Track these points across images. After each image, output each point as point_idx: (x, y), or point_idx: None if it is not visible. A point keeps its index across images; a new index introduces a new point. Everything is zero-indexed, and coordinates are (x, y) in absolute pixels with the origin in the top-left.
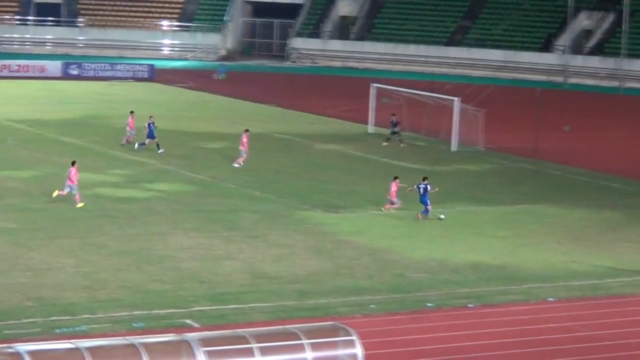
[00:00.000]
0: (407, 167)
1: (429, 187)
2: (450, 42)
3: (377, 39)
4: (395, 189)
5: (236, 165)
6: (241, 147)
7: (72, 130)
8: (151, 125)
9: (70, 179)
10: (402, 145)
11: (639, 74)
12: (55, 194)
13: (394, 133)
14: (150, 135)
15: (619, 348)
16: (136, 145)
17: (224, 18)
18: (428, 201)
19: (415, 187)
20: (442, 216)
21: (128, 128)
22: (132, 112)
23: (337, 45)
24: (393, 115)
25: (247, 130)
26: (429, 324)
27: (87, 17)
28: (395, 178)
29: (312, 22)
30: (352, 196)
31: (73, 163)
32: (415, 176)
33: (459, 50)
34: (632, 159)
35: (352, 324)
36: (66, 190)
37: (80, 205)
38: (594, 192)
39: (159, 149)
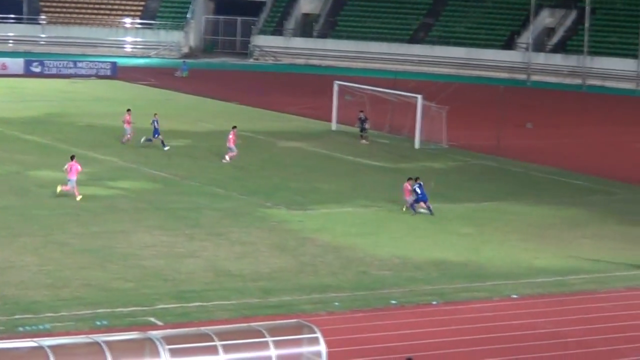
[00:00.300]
0: (371, 165)
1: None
2: (413, 40)
3: (340, 37)
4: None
5: (224, 161)
6: (229, 144)
7: (34, 128)
8: (155, 122)
9: (69, 172)
10: (364, 142)
11: (601, 72)
12: (58, 189)
13: (363, 129)
14: (156, 132)
15: (582, 344)
16: (142, 140)
17: (187, 15)
18: (427, 197)
19: (412, 189)
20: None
21: (125, 125)
22: (129, 110)
23: (299, 42)
24: (361, 111)
25: (234, 127)
26: (393, 321)
27: (49, 14)
28: (409, 179)
29: (274, 19)
30: (316, 193)
31: (72, 157)
32: (379, 174)
33: (421, 47)
34: (594, 156)
35: (316, 322)
36: (69, 185)
37: (79, 198)
38: (557, 189)
39: (164, 146)
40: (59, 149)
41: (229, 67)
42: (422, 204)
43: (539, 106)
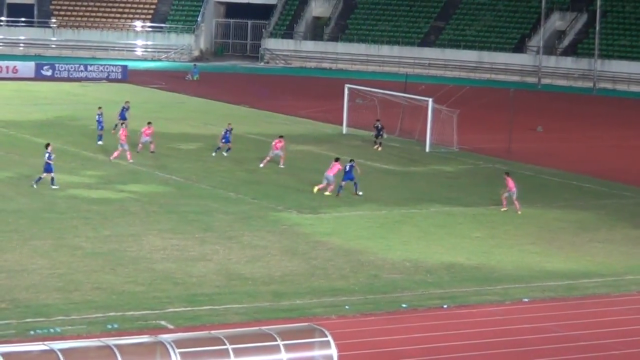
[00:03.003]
0: (382, 168)
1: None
2: (423, 43)
3: (351, 40)
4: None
5: (281, 166)
6: (276, 151)
7: (45, 131)
8: (228, 132)
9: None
10: (378, 149)
11: (611, 75)
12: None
13: (379, 136)
14: (226, 140)
15: (593, 348)
16: (217, 151)
17: (197, 19)
18: (352, 176)
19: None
20: (360, 193)
21: (144, 137)
22: (149, 123)
23: (310, 46)
24: (377, 120)
25: (281, 137)
26: (404, 325)
27: (60, 18)
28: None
29: (285, 23)
30: (327, 197)
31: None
32: (390, 177)
33: (432, 51)
34: (605, 159)
35: (327, 325)
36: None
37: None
38: (568, 192)
39: (226, 150)
40: (70, 152)
41: (239, 70)
42: (346, 182)
43: (550, 109)
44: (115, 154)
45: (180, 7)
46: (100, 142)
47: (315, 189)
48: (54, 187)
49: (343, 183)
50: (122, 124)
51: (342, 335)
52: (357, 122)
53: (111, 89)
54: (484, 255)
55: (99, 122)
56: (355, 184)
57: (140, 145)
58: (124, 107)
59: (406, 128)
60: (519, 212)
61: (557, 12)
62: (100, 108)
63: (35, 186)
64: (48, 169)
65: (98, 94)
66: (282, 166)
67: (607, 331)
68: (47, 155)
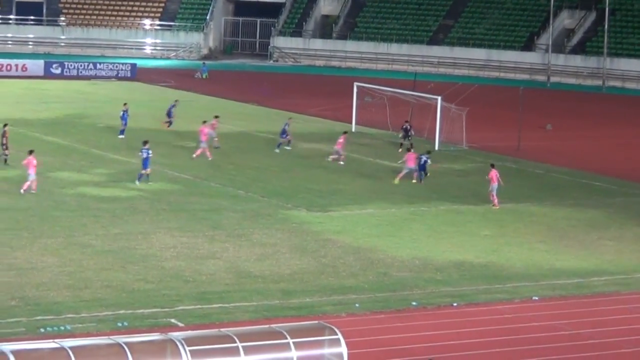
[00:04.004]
0: (391, 166)
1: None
2: (432, 41)
3: (359, 38)
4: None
5: (341, 164)
6: (337, 147)
7: (55, 129)
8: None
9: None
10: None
11: (620, 73)
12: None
13: (407, 137)
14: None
15: (604, 346)
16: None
17: (206, 17)
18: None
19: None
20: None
21: (211, 131)
22: (217, 117)
23: (319, 44)
24: (406, 122)
25: (345, 132)
26: (414, 323)
27: (69, 16)
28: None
29: (294, 21)
30: (336, 195)
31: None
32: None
33: (441, 49)
34: (614, 157)
35: (337, 323)
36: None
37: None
38: (577, 191)
39: (279, 146)
40: (79, 151)
41: (248, 68)
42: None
43: (559, 108)
44: (199, 152)
45: (189, 5)
46: (121, 136)
47: (397, 180)
48: (149, 182)
49: (421, 173)
50: (167, 122)
51: (351, 333)
52: (366, 120)
53: (120, 87)
54: (494, 254)
55: (124, 118)
56: (423, 175)
57: (215, 140)
58: (172, 105)
59: (415, 126)
60: (496, 207)
61: (566, 10)
62: (125, 104)
63: (137, 183)
64: (145, 165)
65: (107, 92)
66: (341, 163)
67: (617, 329)
68: (144, 152)
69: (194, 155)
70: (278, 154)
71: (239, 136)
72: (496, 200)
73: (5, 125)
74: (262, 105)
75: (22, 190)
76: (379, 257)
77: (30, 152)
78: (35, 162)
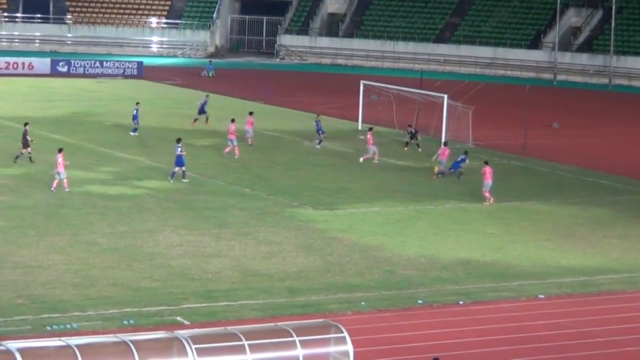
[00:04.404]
0: (397, 164)
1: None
2: (439, 39)
3: (366, 36)
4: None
5: (376, 161)
6: (371, 147)
7: (61, 127)
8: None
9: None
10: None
11: (627, 71)
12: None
13: (413, 138)
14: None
15: (610, 345)
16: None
17: (213, 15)
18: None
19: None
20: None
21: (230, 136)
22: (251, 113)
23: (325, 42)
24: (409, 126)
25: (371, 129)
26: (420, 321)
27: (76, 14)
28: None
29: (300, 19)
30: (342, 193)
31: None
32: (406, 173)
33: (447, 47)
34: (620, 156)
35: (343, 321)
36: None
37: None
38: (583, 189)
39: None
40: (86, 149)
41: (255, 66)
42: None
43: (565, 106)
44: (228, 150)
45: (195, 4)
46: (134, 133)
47: (435, 175)
48: (184, 180)
49: (460, 169)
50: (195, 120)
51: (357, 331)
52: (373, 119)
53: (127, 85)
54: (500, 252)
55: (135, 116)
56: (460, 173)
57: (249, 139)
58: (204, 101)
59: (421, 124)
60: (488, 204)
61: (573, 8)
62: (137, 104)
63: (171, 181)
64: (180, 162)
65: (113, 90)
66: (376, 161)
67: (623, 327)
68: (178, 149)
69: (225, 152)
70: (318, 150)
71: (245, 134)
72: (488, 195)
73: (26, 124)
74: (269, 103)
75: (52, 189)
76: (385, 255)
77: (60, 150)
78: (61, 160)
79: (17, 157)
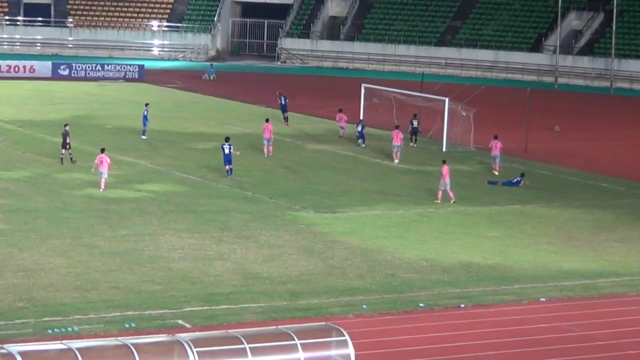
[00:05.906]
0: (399, 167)
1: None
2: (440, 43)
3: (367, 39)
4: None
5: (397, 161)
6: (397, 143)
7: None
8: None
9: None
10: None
11: (628, 74)
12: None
13: (414, 134)
14: (360, 135)
15: (611, 348)
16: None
17: (214, 18)
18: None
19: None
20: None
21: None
22: (340, 110)
23: (326, 45)
24: (415, 115)
25: (397, 127)
26: (421, 324)
27: (77, 17)
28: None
29: (301, 22)
30: (344, 196)
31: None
32: (407, 176)
33: (449, 50)
34: (622, 159)
35: (344, 325)
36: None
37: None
38: (584, 192)
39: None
40: (87, 152)
41: (256, 70)
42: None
43: (567, 109)
44: (266, 150)
45: (196, 7)
46: (144, 137)
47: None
48: (229, 176)
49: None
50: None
51: (359, 335)
52: (374, 122)
53: (128, 89)
54: (501, 255)
55: (145, 117)
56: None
57: (344, 129)
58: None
59: (423, 127)
60: (453, 201)
61: (574, 12)
62: (147, 105)
63: (228, 177)
64: (227, 160)
65: (115, 94)
66: (396, 161)
67: (624, 331)
68: (226, 147)
69: (266, 152)
70: (363, 148)
71: (246, 137)
72: (452, 194)
73: (65, 125)
74: (270, 106)
75: (101, 190)
76: (386, 259)
77: (102, 150)
78: (108, 160)
79: (61, 160)
